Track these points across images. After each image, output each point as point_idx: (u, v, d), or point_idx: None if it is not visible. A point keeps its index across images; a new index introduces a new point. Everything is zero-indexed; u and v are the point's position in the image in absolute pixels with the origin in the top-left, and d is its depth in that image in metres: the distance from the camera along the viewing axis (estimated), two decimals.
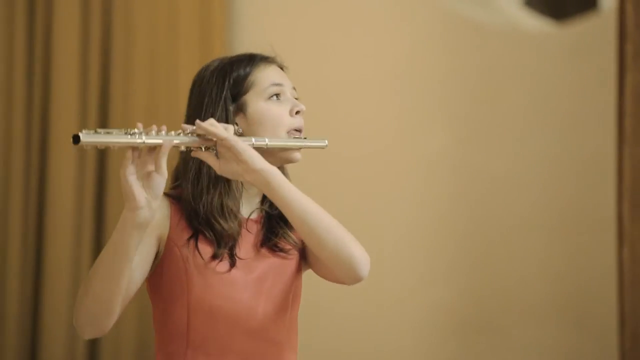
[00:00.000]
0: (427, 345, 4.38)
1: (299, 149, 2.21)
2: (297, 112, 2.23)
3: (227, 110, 2.19)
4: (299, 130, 2.23)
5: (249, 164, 2.06)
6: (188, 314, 2.16)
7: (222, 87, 2.21)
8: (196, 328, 2.16)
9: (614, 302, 3.87)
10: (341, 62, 4.50)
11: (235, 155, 2.06)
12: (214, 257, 2.17)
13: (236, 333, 2.17)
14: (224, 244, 2.18)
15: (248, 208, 2.25)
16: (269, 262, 2.23)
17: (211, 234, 2.17)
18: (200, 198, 2.17)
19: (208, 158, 2.09)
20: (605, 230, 4.11)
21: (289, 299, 2.25)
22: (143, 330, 4.45)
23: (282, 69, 2.31)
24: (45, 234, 4.47)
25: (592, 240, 4.24)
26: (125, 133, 1.96)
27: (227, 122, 2.17)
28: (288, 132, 2.21)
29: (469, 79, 4.42)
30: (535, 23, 4.64)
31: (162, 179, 2.00)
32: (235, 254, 2.19)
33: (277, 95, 2.23)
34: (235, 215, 2.20)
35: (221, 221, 2.17)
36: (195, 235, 2.17)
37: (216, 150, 2.07)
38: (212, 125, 2.05)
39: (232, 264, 2.18)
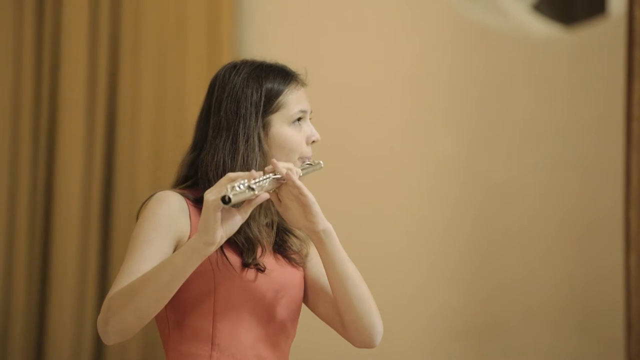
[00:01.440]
0: (433, 349, 4.38)
1: None
2: (312, 142, 2.28)
3: (258, 127, 2.21)
4: (308, 158, 2.27)
5: (315, 224, 2.14)
6: (214, 316, 2.17)
7: (258, 102, 2.22)
8: (222, 331, 2.16)
9: (621, 307, 3.86)
10: (350, 67, 4.51)
11: (306, 212, 2.13)
12: (244, 265, 2.18)
13: (257, 338, 2.19)
14: (253, 252, 2.19)
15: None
16: (286, 270, 2.25)
17: (242, 240, 2.19)
18: None
19: (274, 199, 2.14)
20: (613, 235, 4.10)
21: (299, 309, 2.28)
22: (149, 330, 4.46)
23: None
24: (52, 234, 4.48)
25: (599, 245, 4.24)
26: (249, 187, 1.98)
27: (258, 139, 2.20)
28: (299, 159, 2.25)
29: (477, 83, 4.42)
30: (543, 28, 4.64)
31: (241, 221, 2.02)
32: (262, 262, 2.20)
33: (299, 119, 2.26)
34: (270, 224, 2.25)
35: (255, 230, 2.20)
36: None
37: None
38: (295, 177, 2.10)
39: (261, 271, 2.20)
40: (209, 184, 2.16)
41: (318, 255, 2.24)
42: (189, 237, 2.15)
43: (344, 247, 2.21)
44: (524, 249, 4.32)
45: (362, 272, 2.25)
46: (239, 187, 1.95)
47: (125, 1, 4.53)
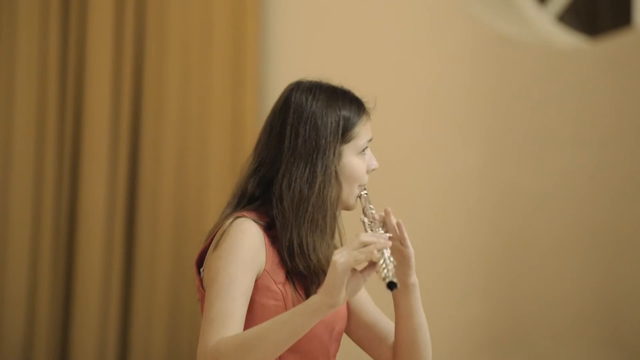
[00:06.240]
0: None
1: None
2: (371, 170, 2.28)
3: (335, 158, 2.20)
4: (364, 186, 2.26)
5: (409, 276, 2.17)
6: None
7: (336, 133, 2.21)
8: (286, 357, 2.15)
9: None
10: (370, 76, 4.50)
11: (404, 265, 2.15)
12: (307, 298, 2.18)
13: None
14: (318, 284, 2.18)
15: None
16: None
17: (312, 273, 2.18)
18: (308, 240, 2.17)
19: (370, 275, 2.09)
20: None
21: (340, 340, 2.29)
22: (172, 337, 4.47)
23: None
24: (76, 239, 4.50)
25: (628, 258, 4.21)
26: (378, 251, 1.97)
27: (335, 170, 2.19)
28: (358, 187, 2.24)
29: (502, 95, 4.40)
30: (568, 39, 4.62)
31: (364, 282, 2.00)
32: None
33: (364, 149, 2.26)
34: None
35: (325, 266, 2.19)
36: (290, 272, 2.17)
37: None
38: (405, 231, 2.13)
39: None
40: (284, 212, 2.16)
41: (365, 293, 2.25)
42: (265, 268, 2.14)
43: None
44: (552, 262, 4.29)
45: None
46: (390, 262, 1.95)
47: (150, 5, 4.55)
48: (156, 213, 4.50)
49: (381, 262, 1.94)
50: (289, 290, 2.15)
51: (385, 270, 1.93)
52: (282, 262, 2.17)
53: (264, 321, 2.08)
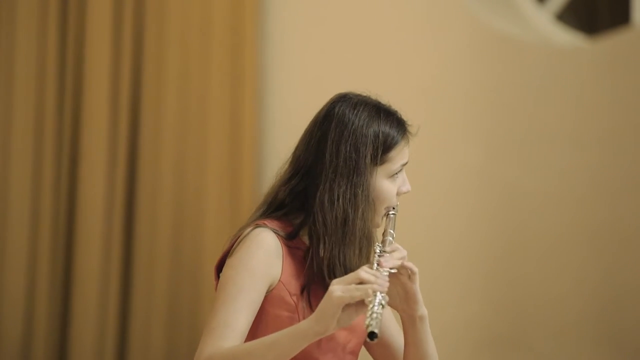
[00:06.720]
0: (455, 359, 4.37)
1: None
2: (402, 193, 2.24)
3: (372, 181, 2.17)
4: (392, 207, 2.23)
5: (415, 310, 2.14)
6: None
7: (373, 157, 2.16)
8: None
9: None
10: (369, 75, 4.50)
11: (409, 298, 2.12)
12: None
13: None
14: None
15: None
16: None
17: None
18: (353, 263, 2.13)
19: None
20: None
21: (358, 353, 2.27)
22: (171, 336, 4.47)
23: None
24: (75, 238, 4.52)
25: (628, 257, 4.21)
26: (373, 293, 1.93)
27: (371, 191, 2.16)
28: (385, 208, 2.21)
29: (501, 94, 4.40)
30: (567, 38, 4.62)
31: (356, 316, 1.97)
32: None
33: (397, 172, 2.21)
34: None
35: None
36: (308, 285, 2.14)
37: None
38: (413, 265, 2.11)
39: None
40: (326, 228, 2.12)
41: (387, 311, 2.23)
42: (281, 279, 2.12)
43: None
44: (552, 261, 4.29)
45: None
46: (378, 308, 1.91)
47: (149, 5, 4.55)
48: (155, 213, 4.50)
49: (370, 307, 1.91)
50: (301, 303, 2.13)
51: (369, 319, 1.90)
52: (300, 274, 2.14)
53: (276, 326, 2.09)
